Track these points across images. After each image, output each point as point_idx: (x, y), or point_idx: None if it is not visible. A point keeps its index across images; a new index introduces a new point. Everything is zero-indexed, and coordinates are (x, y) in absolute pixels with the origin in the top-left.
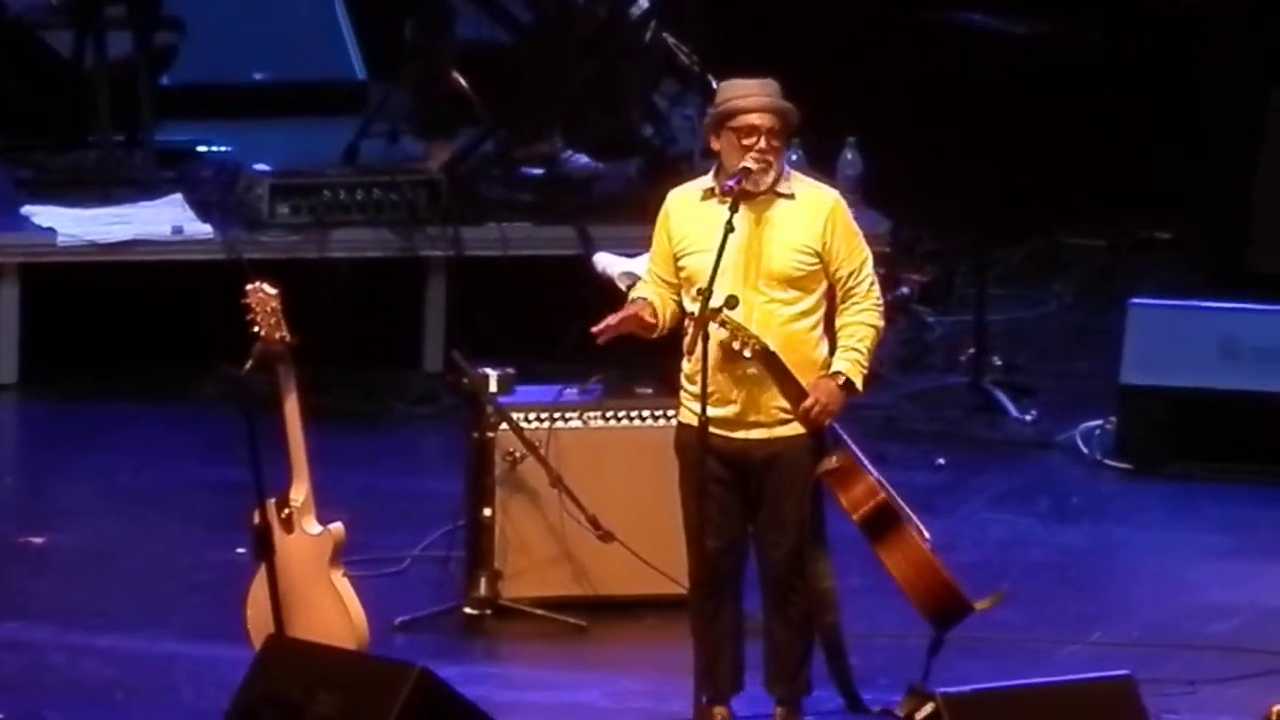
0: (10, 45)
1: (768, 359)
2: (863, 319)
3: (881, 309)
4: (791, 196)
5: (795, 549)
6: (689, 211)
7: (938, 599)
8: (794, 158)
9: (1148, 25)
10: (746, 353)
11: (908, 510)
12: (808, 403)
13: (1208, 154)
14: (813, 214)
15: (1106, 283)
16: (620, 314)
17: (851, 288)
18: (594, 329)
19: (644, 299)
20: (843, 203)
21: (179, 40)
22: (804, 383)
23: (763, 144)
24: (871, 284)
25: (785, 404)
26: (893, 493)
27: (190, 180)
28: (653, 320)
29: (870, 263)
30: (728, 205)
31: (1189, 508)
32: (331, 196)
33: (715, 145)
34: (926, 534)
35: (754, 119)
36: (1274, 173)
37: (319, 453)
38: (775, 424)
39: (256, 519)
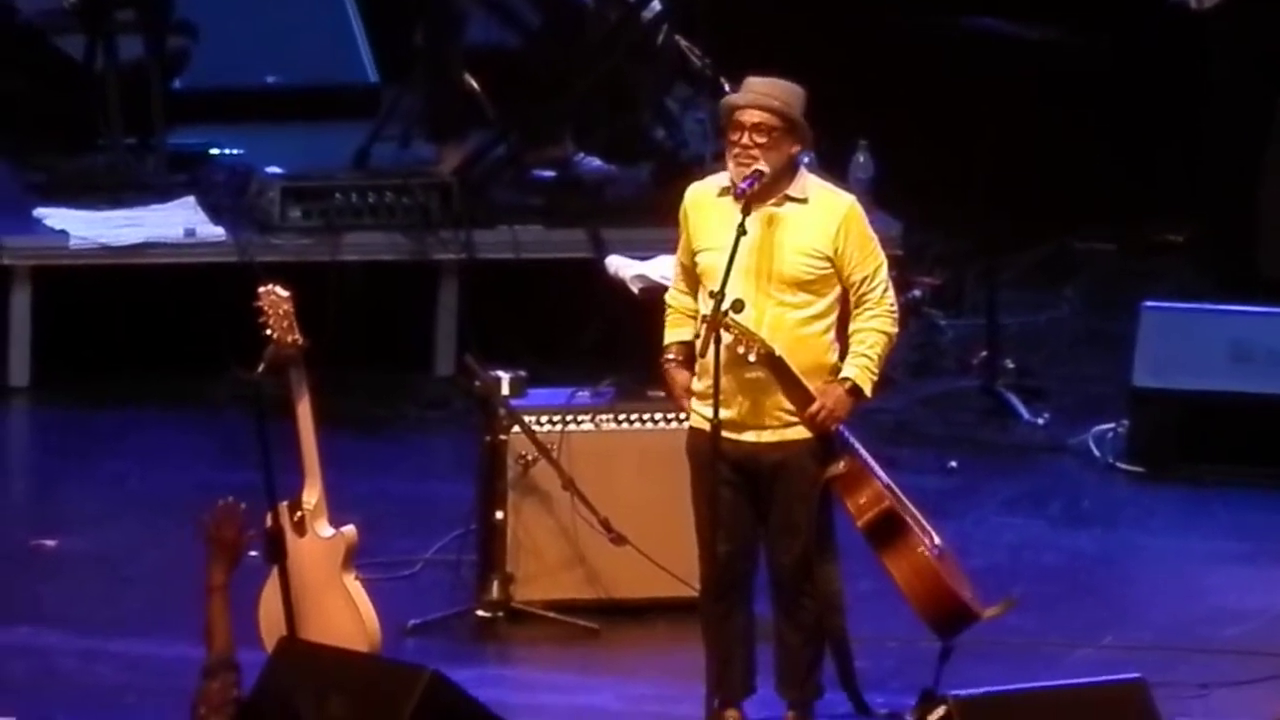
0: (22, 48)
1: (773, 363)
2: (875, 325)
3: (895, 315)
4: (805, 200)
5: (805, 554)
6: (706, 207)
7: (941, 607)
8: (805, 160)
9: (1158, 30)
10: (751, 356)
11: (917, 515)
12: (814, 408)
13: (1214, 158)
14: (826, 218)
15: (1118, 286)
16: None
17: (865, 293)
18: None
19: (671, 360)
20: (858, 208)
21: (191, 44)
22: (812, 388)
23: (745, 139)
24: (885, 290)
25: (792, 407)
26: (902, 497)
27: (202, 183)
28: (689, 357)
29: (885, 269)
30: (731, 205)
31: (1201, 511)
32: (343, 200)
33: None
34: (937, 539)
35: (739, 116)
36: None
37: (331, 456)
38: (782, 426)
39: (269, 522)
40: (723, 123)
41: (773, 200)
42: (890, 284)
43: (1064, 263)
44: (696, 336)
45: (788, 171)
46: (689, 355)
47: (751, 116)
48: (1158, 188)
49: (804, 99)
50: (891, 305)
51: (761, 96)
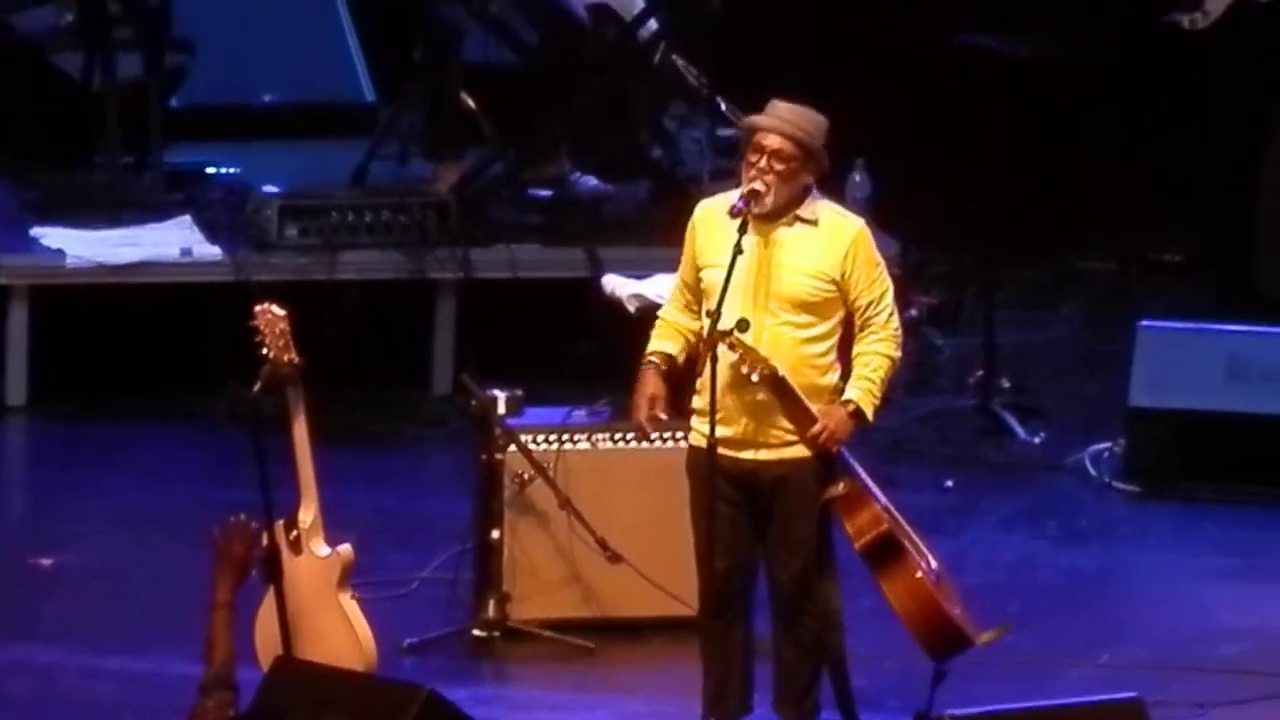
0: (20, 66)
1: (776, 383)
2: (879, 349)
3: (899, 340)
4: (815, 223)
5: (804, 570)
6: (714, 224)
7: (935, 632)
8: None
9: (1156, 48)
10: (754, 377)
11: (914, 537)
12: (815, 429)
13: (1213, 177)
14: (835, 241)
15: (1115, 305)
16: (644, 401)
17: (870, 317)
18: (647, 428)
19: (652, 363)
20: (867, 233)
21: (188, 62)
22: (814, 409)
23: (763, 164)
24: (890, 315)
25: (792, 426)
26: (900, 519)
27: (199, 202)
28: (670, 370)
29: (890, 294)
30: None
31: (1197, 530)
32: (340, 218)
33: None
34: (934, 562)
35: (761, 138)
36: (1277, 197)
37: (327, 474)
38: (783, 445)
39: (265, 541)
40: (742, 141)
41: (783, 220)
42: (895, 309)
43: (1061, 281)
44: (691, 359)
45: (800, 194)
46: (670, 367)
47: (772, 141)
48: (1155, 206)
49: (825, 129)
50: (896, 330)
51: (785, 123)
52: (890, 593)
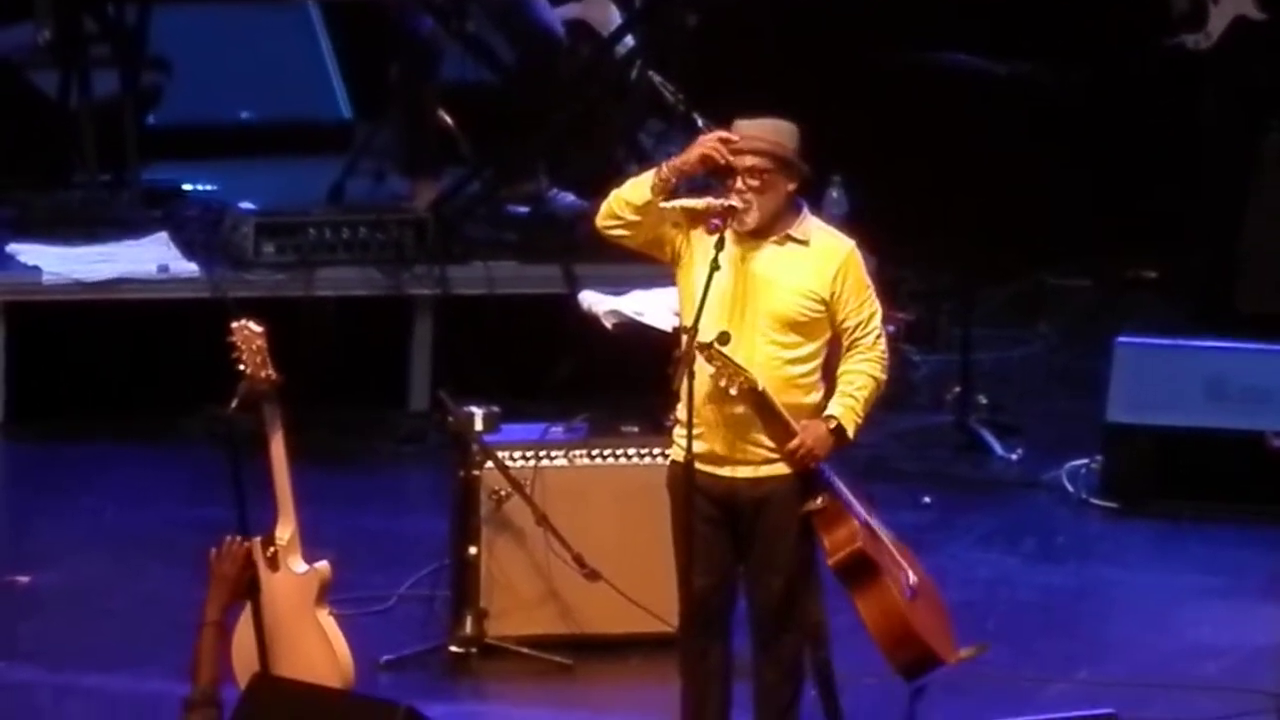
0: None
1: (755, 398)
2: (864, 369)
3: (885, 364)
4: (805, 242)
5: (786, 589)
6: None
7: (905, 651)
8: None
9: (1133, 65)
10: (733, 390)
11: (894, 552)
12: (793, 444)
13: (1200, 194)
14: (825, 261)
15: (1093, 322)
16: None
17: (857, 339)
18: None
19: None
20: (858, 253)
21: (165, 80)
22: (794, 424)
23: (739, 184)
24: (878, 337)
25: (772, 444)
26: (881, 534)
27: (176, 219)
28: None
29: (879, 317)
30: (728, 238)
31: (1175, 547)
32: (317, 235)
33: None
34: (914, 577)
35: (736, 159)
36: (1263, 213)
37: (304, 491)
38: (762, 462)
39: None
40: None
41: (774, 238)
42: (883, 332)
43: (1038, 298)
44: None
45: (790, 210)
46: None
47: (744, 160)
48: (1132, 224)
49: (795, 135)
50: (883, 353)
51: (751, 140)
52: (863, 610)
